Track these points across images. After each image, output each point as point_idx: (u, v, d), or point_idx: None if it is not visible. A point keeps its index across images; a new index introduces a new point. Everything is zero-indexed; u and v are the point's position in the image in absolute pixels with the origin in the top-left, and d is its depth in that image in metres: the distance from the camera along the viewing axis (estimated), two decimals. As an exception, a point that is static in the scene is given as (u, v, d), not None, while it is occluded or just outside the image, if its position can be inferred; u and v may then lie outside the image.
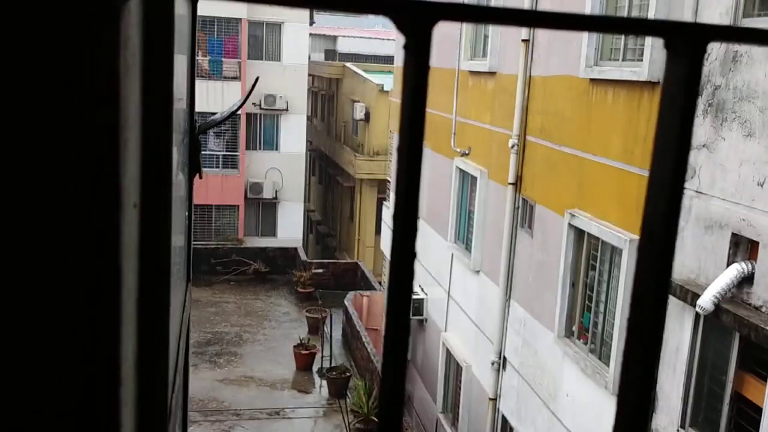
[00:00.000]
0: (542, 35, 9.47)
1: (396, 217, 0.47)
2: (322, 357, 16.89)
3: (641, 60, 7.25)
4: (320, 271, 22.22)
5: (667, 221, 0.51)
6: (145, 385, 0.64)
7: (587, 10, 8.13)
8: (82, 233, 0.43)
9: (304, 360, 17.00)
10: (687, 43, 0.49)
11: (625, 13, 7.71)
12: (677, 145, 0.50)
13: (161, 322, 0.70)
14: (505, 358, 10.43)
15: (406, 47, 0.49)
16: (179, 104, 1.32)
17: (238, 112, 24.53)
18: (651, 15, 6.97)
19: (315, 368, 17.03)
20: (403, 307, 0.50)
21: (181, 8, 1.26)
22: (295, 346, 17.23)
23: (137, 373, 0.62)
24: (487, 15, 0.47)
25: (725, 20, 6.06)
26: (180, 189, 1.39)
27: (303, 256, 24.07)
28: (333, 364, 16.63)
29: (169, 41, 0.65)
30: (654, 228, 0.51)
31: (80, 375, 0.45)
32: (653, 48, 6.94)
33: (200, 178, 1.66)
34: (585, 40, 8.17)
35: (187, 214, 1.54)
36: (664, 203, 0.52)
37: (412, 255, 0.48)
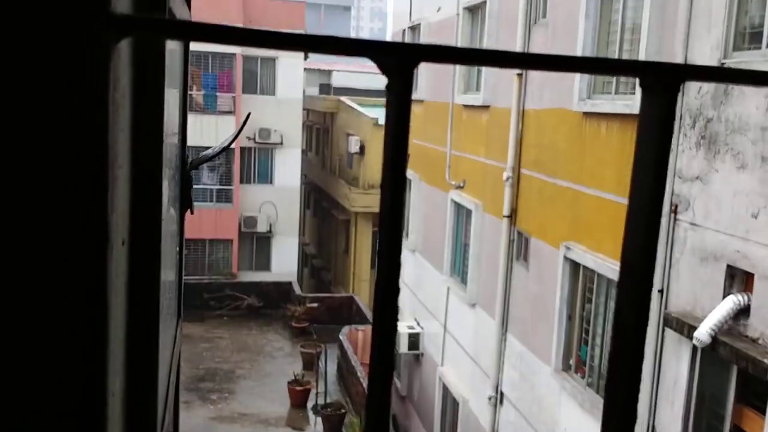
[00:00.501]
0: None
1: (380, 254, 0.48)
2: (317, 393, 16.69)
3: (633, 93, 7.35)
4: (315, 305, 22.10)
5: (645, 254, 0.52)
6: (133, 421, 0.64)
7: (579, 44, 8.26)
8: (69, 270, 0.43)
9: (299, 396, 16.79)
10: (661, 82, 0.51)
11: (616, 47, 7.84)
12: (653, 181, 0.51)
13: (150, 358, 0.69)
14: (502, 393, 10.33)
15: (388, 87, 0.50)
16: (171, 139, 1.33)
17: (232, 146, 24.65)
18: (642, 48, 7.08)
19: (310, 405, 16.82)
20: (389, 342, 0.50)
21: (172, 43, 1.28)
22: (289, 382, 17.04)
23: (125, 408, 0.62)
24: (466, 56, 0.48)
25: (716, 54, 6.16)
26: (171, 224, 1.39)
27: (297, 290, 23.95)
28: (328, 401, 16.43)
29: (159, 82, 0.66)
30: (633, 262, 0.52)
31: (66, 412, 0.45)
32: (644, 82, 7.03)
33: (191, 213, 1.67)
34: (577, 73, 8.29)
35: (178, 249, 1.55)
36: (641, 237, 0.53)
37: (396, 291, 0.49)
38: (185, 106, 1.67)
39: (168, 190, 1.32)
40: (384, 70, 0.49)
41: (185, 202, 1.55)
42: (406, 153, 0.51)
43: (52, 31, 0.41)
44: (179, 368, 1.51)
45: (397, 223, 0.48)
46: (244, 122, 2.96)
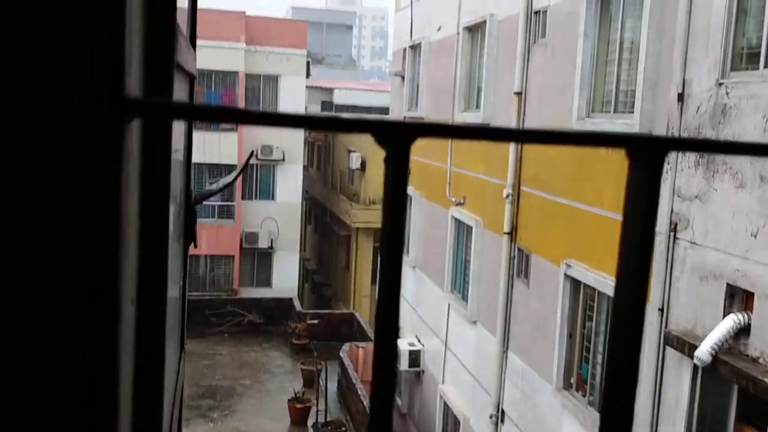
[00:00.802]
0: (534, 87, 9.66)
1: (377, 328, 0.50)
2: (317, 411, 16.61)
3: (632, 112, 7.39)
4: (315, 321, 22.05)
5: (633, 320, 0.54)
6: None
7: (578, 63, 8.32)
8: (82, 333, 0.46)
9: (299, 414, 16.72)
10: (646, 154, 0.53)
11: (615, 66, 7.89)
12: (640, 249, 0.53)
13: (154, 412, 0.71)
14: (503, 411, 10.29)
15: (386, 160, 0.53)
16: (177, 178, 1.36)
17: (235, 163, 24.71)
18: (641, 68, 7.12)
19: (310, 423, 16.73)
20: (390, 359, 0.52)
21: (178, 86, 1.31)
22: (289, 400, 16.97)
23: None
24: (458, 132, 0.51)
25: (714, 74, 6.20)
26: (175, 260, 1.42)
27: (298, 306, 23.91)
28: (328, 419, 16.36)
29: (167, 149, 0.69)
30: (622, 328, 0.54)
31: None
32: (644, 101, 7.08)
33: (195, 247, 1.69)
34: (577, 91, 8.34)
35: (181, 283, 1.57)
36: (630, 290, 0.55)
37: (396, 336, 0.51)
38: (191, 139, 1.70)
39: (173, 226, 1.35)
40: (383, 144, 0.52)
41: (189, 237, 1.57)
42: (403, 220, 0.53)
43: (70, 117, 0.44)
44: (182, 401, 1.53)
45: (395, 296, 0.50)
46: (248, 159, 3.00)
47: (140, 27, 0.50)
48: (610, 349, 0.58)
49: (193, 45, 1.59)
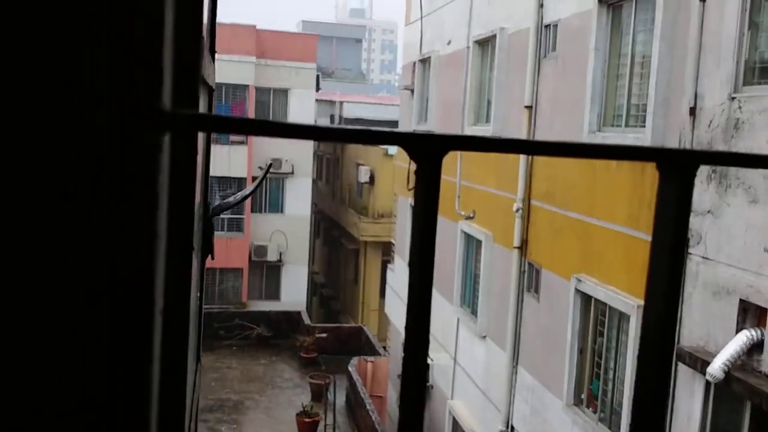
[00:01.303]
0: (545, 101, 9.66)
1: (406, 346, 0.50)
2: (326, 425, 16.55)
3: (644, 126, 7.37)
4: (324, 335, 22.02)
5: (663, 336, 0.54)
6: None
7: (589, 77, 8.32)
8: (116, 346, 0.46)
9: (307, 428, 16.65)
10: (678, 167, 0.53)
11: (626, 80, 7.88)
12: (670, 263, 0.53)
13: (177, 426, 0.71)
14: (513, 427, 10.21)
15: (416, 173, 0.53)
16: (197, 192, 1.36)
17: (244, 175, 24.82)
18: (652, 82, 7.11)
19: (319, 436, 16.66)
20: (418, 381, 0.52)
21: (201, 96, 1.32)
22: (297, 414, 16.91)
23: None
24: (489, 145, 0.51)
25: (726, 88, 6.18)
26: (195, 272, 1.42)
27: (306, 320, 23.89)
28: (337, 432, 16.27)
29: (193, 161, 0.69)
30: (651, 340, 0.54)
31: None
32: (655, 115, 7.07)
33: (212, 259, 1.70)
34: (588, 105, 8.34)
35: (199, 294, 1.57)
36: (661, 312, 0.55)
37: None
38: (209, 152, 1.72)
39: (193, 240, 1.35)
40: (413, 157, 0.52)
41: (207, 249, 1.58)
42: (434, 236, 0.53)
43: (109, 128, 0.44)
44: (198, 414, 1.53)
45: (426, 309, 0.50)
46: (266, 171, 3.02)
47: (171, 41, 0.51)
48: (638, 370, 0.57)
49: (213, 57, 1.61)
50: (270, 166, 3.66)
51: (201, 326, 1.68)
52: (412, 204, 0.54)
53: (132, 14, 0.44)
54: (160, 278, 0.53)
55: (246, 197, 2.75)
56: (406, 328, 0.50)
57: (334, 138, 0.49)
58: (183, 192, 0.64)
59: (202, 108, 1.31)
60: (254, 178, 25.64)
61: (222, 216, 25.61)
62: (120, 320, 0.46)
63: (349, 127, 0.49)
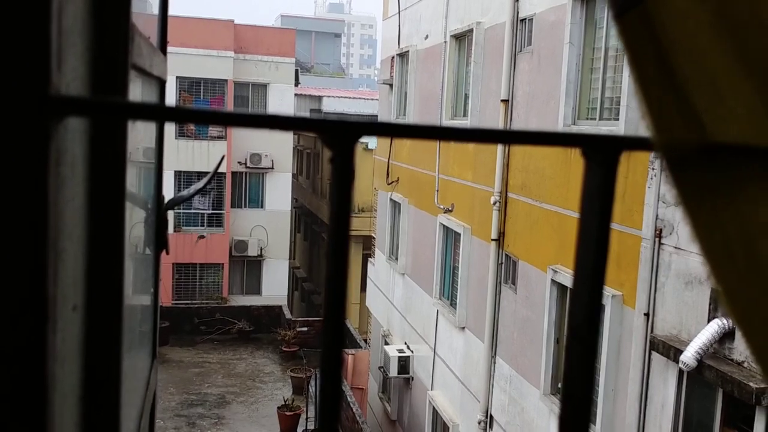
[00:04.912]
0: (521, 95, 9.69)
1: (323, 331, 0.49)
2: (307, 418, 16.55)
3: (617, 119, 7.43)
4: (305, 329, 21.98)
5: (589, 321, 0.53)
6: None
7: (563, 70, 8.35)
8: (3, 347, 0.44)
9: (289, 421, 16.64)
10: (601, 152, 0.52)
11: (600, 74, 7.93)
12: (596, 247, 0.52)
13: (111, 420, 0.69)
14: (491, 417, 10.28)
15: (331, 160, 0.51)
16: (147, 182, 1.34)
17: (224, 171, 24.66)
18: (625, 74, 7.16)
19: (300, 430, 16.65)
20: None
21: (146, 90, 1.29)
22: (279, 407, 16.89)
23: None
24: (401, 130, 0.49)
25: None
26: (147, 268, 1.39)
27: (288, 314, 23.83)
28: (318, 426, 16.27)
29: (120, 147, 0.67)
30: (578, 327, 0.53)
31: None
32: (629, 107, 7.12)
33: (167, 254, 1.67)
34: (563, 98, 8.38)
35: (153, 290, 1.55)
36: (586, 301, 0.54)
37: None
38: (162, 144, 1.69)
39: (144, 231, 1.33)
40: (327, 144, 0.51)
41: (161, 243, 1.55)
42: (349, 214, 0.52)
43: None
44: (154, 409, 1.50)
45: (341, 288, 0.49)
46: (219, 163, 2.99)
47: (82, 25, 0.49)
48: (566, 352, 0.57)
49: (164, 51, 1.58)
50: (222, 158, 3.63)
51: (157, 321, 1.66)
52: (330, 193, 0.53)
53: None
54: (72, 271, 0.51)
55: (200, 190, 2.73)
56: (323, 319, 0.49)
57: (241, 123, 0.47)
58: (109, 183, 0.62)
59: (148, 99, 1.28)
60: (234, 173, 25.49)
61: (202, 211, 25.43)
62: (10, 313, 0.44)
63: (261, 113, 0.47)
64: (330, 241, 0.52)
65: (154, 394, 1.52)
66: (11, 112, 0.41)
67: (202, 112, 0.45)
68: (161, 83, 1.54)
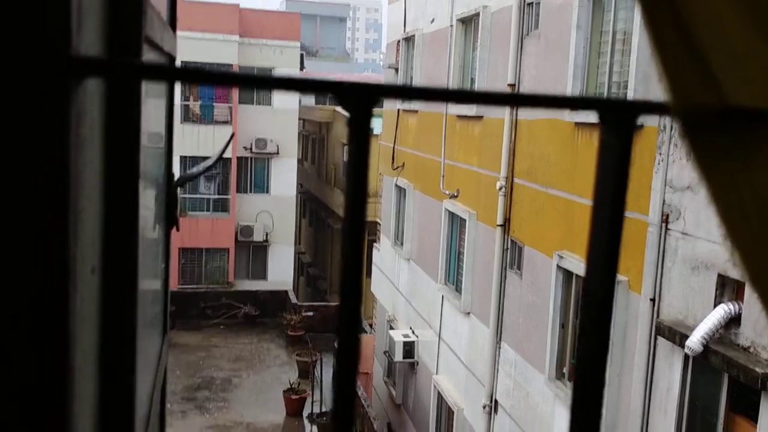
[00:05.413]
0: (528, 78, 9.64)
1: (342, 284, 0.49)
2: (313, 401, 16.66)
3: (624, 104, 7.38)
4: (310, 314, 22.08)
5: (604, 281, 0.53)
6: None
7: (571, 54, 8.30)
8: (26, 303, 0.45)
9: (295, 405, 16.76)
10: (618, 117, 0.52)
11: (608, 57, 7.88)
12: (612, 211, 0.53)
13: (126, 383, 0.70)
14: (496, 401, 10.33)
15: (349, 123, 0.52)
16: (155, 158, 1.34)
17: (230, 156, 24.66)
18: (633, 58, 7.11)
19: (305, 413, 16.77)
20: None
21: (154, 59, 1.29)
22: (285, 391, 17.01)
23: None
24: (421, 94, 0.49)
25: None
26: (157, 242, 1.40)
27: (293, 299, 23.93)
28: (324, 409, 16.40)
29: (134, 111, 0.67)
30: (594, 287, 0.53)
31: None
32: (636, 91, 7.08)
33: (177, 230, 1.68)
34: (570, 82, 8.33)
35: (164, 265, 1.56)
36: (602, 264, 0.54)
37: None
38: (171, 121, 1.69)
39: (153, 208, 1.34)
40: (344, 106, 0.51)
41: (171, 220, 1.56)
42: (366, 182, 0.52)
43: (11, 75, 0.43)
44: (165, 384, 1.52)
45: (358, 260, 0.49)
46: (228, 141, 2.99)
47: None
48: (581, 322, 0.57)
49: (173, 28, 1.58)
50: (232, 135, 3.66)
51: (168, 299, 1.67)
52: (347, 158, 0.53)
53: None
54: (90, 232, 0.52)
55: (209, 168, 2.75)
56: (340, 292, 0.50)
57: (256, 85, 0.47)
58: (124, 147, 0.62)
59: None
60: (239, 158, 25.49)
61: (207, 197, 25.47)
62: (28, 270, 0.45)
63: (276, 76, 0.47)
64: (347, 202, 0.53)
65: (165, 370, 1.53)
66: (35, 72, 0.42)
67: (216, 74, 0.45)
68: (171, 60, 1.54)
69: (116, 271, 0.64)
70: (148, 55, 0.92)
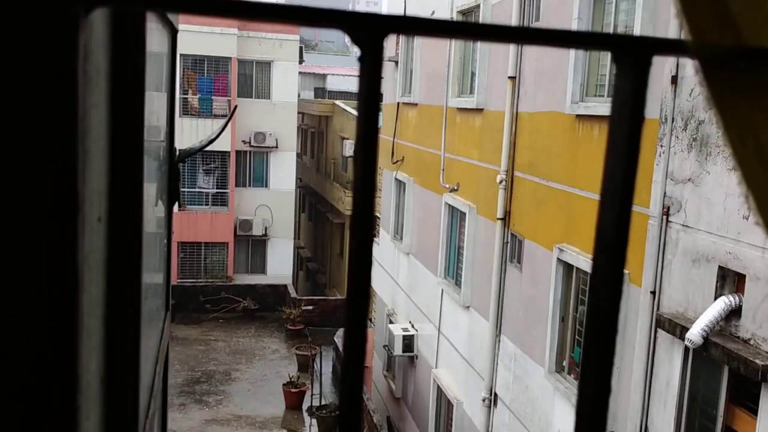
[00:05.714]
0: (529, 72, 9.62)
1: (353, 227, 0.48)
2: (312, 395, 16.68)
3: (625, 96, 7.36)
4: (310, 308, 22.09)
5: (617, 231, 0.52)
6: (113, 400, 0.64)
7: (571, 54, 8.28)
8: (34, 242, 0.44)
9: (294, 398, 16.77)
10: (633, 55, 0.51)
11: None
12: (626, 156, 0.52)
13: (131, 333, 0.69)
14: (496, 395, 10.34)
15: (360, 59, 0.50)
16: (157, 133, 1.33)
17: (228, 149, 24.62)
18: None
19: (305, 407, 16.79)
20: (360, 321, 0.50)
21: (159, 37, 1.29)
22: (284, 384, 17.02)
23: (104, 387, 0.62)
24: (436, 27, 0.48)
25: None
26: (158, 214, 1.39)
27: (293, 293, 23.93)
28: (323, 402, 16.42)
29: (139, 59, 0.66)
30: (606, 237, 0.52)
31: (33, 388, 0.45)
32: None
33: (179, 206, 1.67)
34: (570, 76, 8.31)
35: (166, 241, 1.55)
36: (614, 216, 0.53)
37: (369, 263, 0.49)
38: (173, 98, 1.68)
39: (156, 181, 1.33)
40: (355, 40, 0.50)
41: (173, 195, 1.55)
42: (377, 121, 0.51)
43: (17, 4, 0.42)
44: (168, 359, 1.51)
45: (370, 204, 0.48)
46: (232, 113, 2.98)
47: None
48: (589, 307, 0.56)
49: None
50: (235, 108, 3.64)
51: (170, 275, 1.66)
52: (357, 95, 0.51)
53: None
54: (97, 180, 0.51)
55: (211, 141, 2.74)
56: (349, 256, 0.48)
57: (264, 16, 0.46)
58: (128, 82, 0.61)
59: (163, 48, 1.28)
60: (238, 152, 25.46)
61: (206, 191, 25.44)
62: (38, 220, 0.44)
63: (281, 4, 0.46)
64: (357, 145, 0.51)
65: (168, 347, 1.53)
66: (42, 2, 0.41)
67: (221, 3, 0.44)
68: (174, 32, 1.53)
69: (122, 221, 0.64)
70: (151, 26, 0.91)
